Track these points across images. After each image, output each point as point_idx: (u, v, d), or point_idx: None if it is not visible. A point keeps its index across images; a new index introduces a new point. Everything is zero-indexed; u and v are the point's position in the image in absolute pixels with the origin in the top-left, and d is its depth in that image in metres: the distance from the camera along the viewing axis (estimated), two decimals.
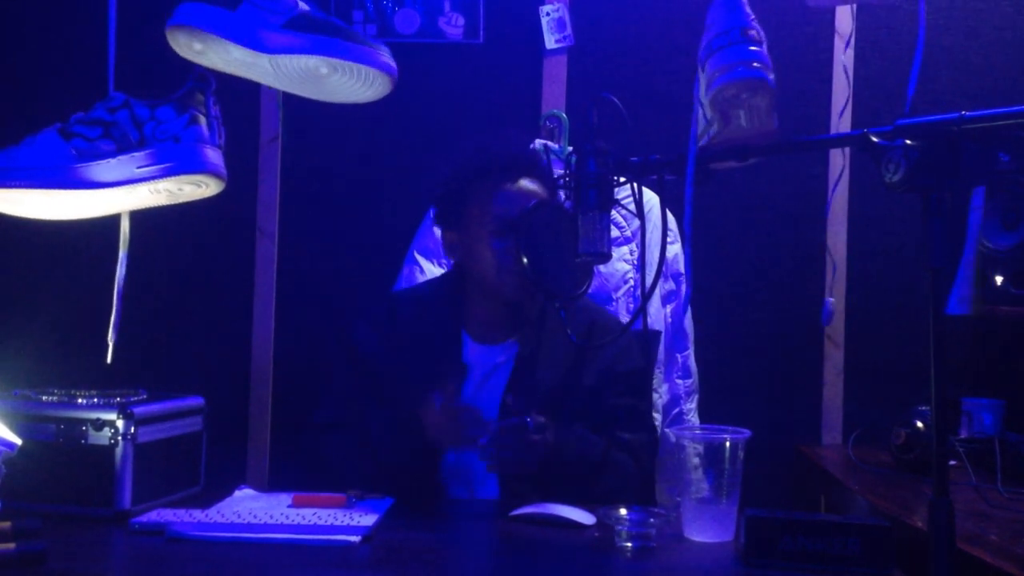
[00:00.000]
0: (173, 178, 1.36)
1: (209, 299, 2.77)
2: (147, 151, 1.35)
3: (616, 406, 1.76)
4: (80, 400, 1.46)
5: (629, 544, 1.30)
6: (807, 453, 2.46)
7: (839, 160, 2.63)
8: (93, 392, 1.50)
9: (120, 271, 1.46)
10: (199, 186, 1.41)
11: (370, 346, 1.80)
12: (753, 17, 1.29)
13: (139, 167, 1.35)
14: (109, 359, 1.43)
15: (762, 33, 1.29)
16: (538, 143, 2.36)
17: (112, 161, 1.34)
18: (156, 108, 1.37)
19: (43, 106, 1.51)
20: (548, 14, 2.67)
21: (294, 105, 2.71)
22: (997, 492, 1.72)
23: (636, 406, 1.82)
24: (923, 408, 2.04)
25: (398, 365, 1.74)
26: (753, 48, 1.27)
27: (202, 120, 1.38)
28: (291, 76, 1.42)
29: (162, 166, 1.35)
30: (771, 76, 1.28)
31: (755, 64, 1.27)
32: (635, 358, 1.81)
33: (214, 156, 1.39)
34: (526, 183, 1.74)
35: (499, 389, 1.74)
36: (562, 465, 1.62)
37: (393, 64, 1.39)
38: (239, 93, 2.63)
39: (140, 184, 1.35)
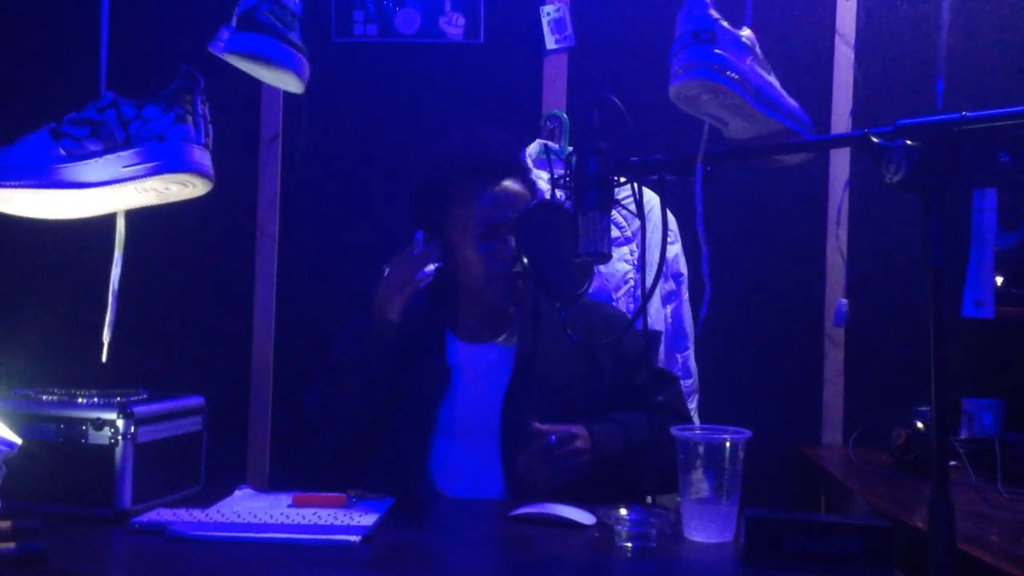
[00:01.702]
0: (158, 177, 1.36)
1: (209, 299, 2.77)
2: (132, 150, 1.36)
3: (644, 382, 1.75)
4: (80, 400, 1.46)
5: (629, 544, 1.30)
6: (807, 453, 2.46)
7: (842, 161, 2.63)
8: (93, 392, 1.50)
9: (115, 271, 1.46)
10: (186, 185, 1.41)
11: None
12: (716, 18, 1.29)
13: (124, 166, 1.35)
14: (104, 358, 1.43)
15: (721, 32, 1.29)
16: (538, 143, 2.36)
17: (99, 160, 1.35)
18: (142, 107, 1.37)
19: (44, 106, 1.51)
20: (548, 14, 2.67)
21: (294, 105, 2.74)
22: (997, 492, 1.72)
23: (659, 369, 1.88)
24: (923, 408, 2.04)
25: (386, 371, 1.74)
26: (706, 49, 1.28)
27: (188, 119, 1.38)
28: (251, 71, 1.46)
29: (147, 165, 1.35)
30: (727, 75, 1.27)
31: (713, 66, 1.28)
32: (641, 336, 1.82)
33: (200, 155, 1.39)
34: (508, 184, 1.73)
35: (499, 390, 1.73)
36: (612, 462, 1.62)
37: (299, 61, 1.42)
38: (239, 93, 2.64)
39: (126, 183, 1.36)
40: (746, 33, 1.33)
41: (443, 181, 1.76)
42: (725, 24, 1.30)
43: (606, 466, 1.62)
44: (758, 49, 1.35)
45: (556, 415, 1.64)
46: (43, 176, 1.33)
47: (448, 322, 1.81)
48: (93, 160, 1.34)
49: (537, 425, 1.60)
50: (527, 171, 1.79)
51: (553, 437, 1.58)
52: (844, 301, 1.47)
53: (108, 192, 1.37)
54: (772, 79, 1.36)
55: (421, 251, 1.71)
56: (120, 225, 1.48)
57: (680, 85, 1.29)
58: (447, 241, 1.75)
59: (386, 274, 1.71)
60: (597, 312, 1.85)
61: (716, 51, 1.28)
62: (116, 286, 1.46)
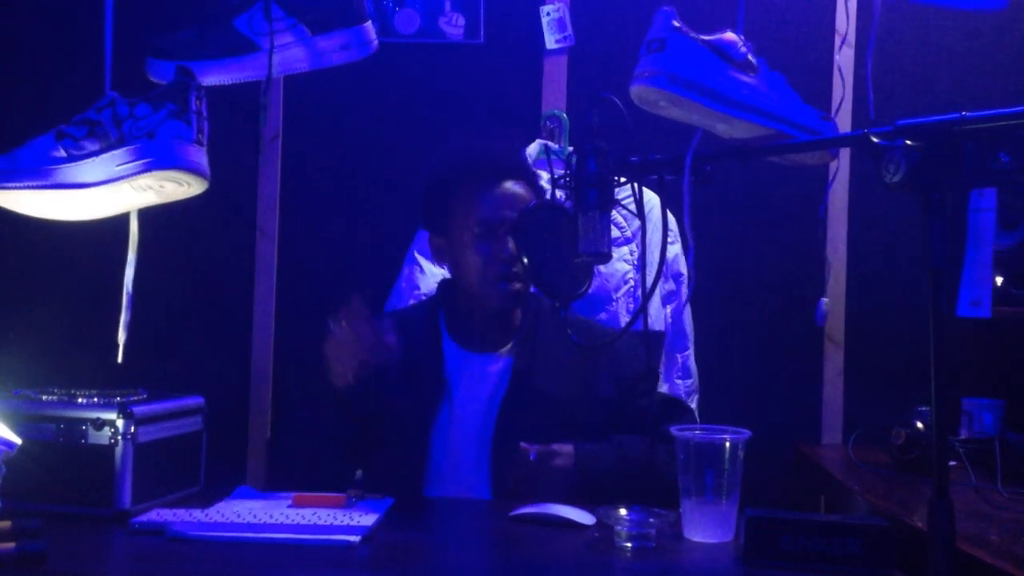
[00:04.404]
0: (149, 175, 1.36)
1: (209, 299, 2.77)
2: (125, 148, 1.36)
3: (649, 405, 1.74)
4: (80, 400, 1.46)
5: (629, 544, 1.30)
6: (807, 453, 2.46)
7: (842, 161, 2.63)
8: (93, 392, 1.49)
9: (129, 271, 1.46)
10: (180, 184, 1.40)
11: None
12: (675, 27, 1.33)
13: (118, 165, 1.35)
14: (120, 358, 1.43)
15: (673, 40, 1.31)
16: (538, 143, 2.36)
17: (95, 160, 1.35)
18: (135, 105, 1.37)
19: (57, 106, 1.51)
20: (548, 14, 2.67)
21: (294, 105, 2.74)
22: (997, 492, 1.72)
23: (673, 399, 1.86)
24: (923, 408, 2.04)
25: (378, 388, 1.73)
26: (654, 58, 1.34)
27: (180, 116, 1.38)
28: None
29: (137, 163, 1.36)
30: (672, 81, 1.32)
31: (655, 73, 1.33)
32: (643, 360, 1.82)
33: (193, 153, 1.38)
34: (510, 185, 1.73)
35: (495, 403, 1.71)
36: (600, 479, 1.61)
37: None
38: (239, 93, 2.63)
39: (121, 182, 1.36)
40: (728, 37, 1.34)
41: (445, 182, 1.76)
42: (688, 33, 1.33)
43: (594, 482, 1.61)
44: (742, 51, 1.35)
45: (550, 431, 1.65)
46: (44, 177, 1.33)
47: (452, 331, 1.79)
48: (90, 160, 1.35)
49: (523, 444, 1.60)
50: (532, 173, 1.78)
51: (533, 454, 1.57)
52: (825, 300, 1.49)
53: (106, 191, 1.37)
54: (755, 81, 1.36)
55: (376, 341, 1.60)
56: (133, 226, 1.48)
57: (632, 92, 1.36)
58: (451, 242, 1.75)
59: (332, 335, 1.61)
60: (597, 331, 1.86)
61: (663, 59, 1.32)
62: (131, 287, 1.46)
